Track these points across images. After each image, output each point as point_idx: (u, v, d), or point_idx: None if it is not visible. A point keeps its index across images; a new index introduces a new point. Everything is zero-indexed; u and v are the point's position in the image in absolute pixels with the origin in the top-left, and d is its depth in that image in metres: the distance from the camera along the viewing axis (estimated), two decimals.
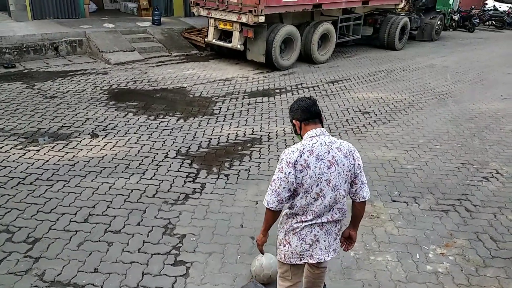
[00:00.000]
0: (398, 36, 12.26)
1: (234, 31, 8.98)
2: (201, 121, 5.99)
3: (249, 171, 4.60)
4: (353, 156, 2.19)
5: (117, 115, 6.01)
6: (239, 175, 4.51)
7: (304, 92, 7.65)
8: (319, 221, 2.21)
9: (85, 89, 7.04)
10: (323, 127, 2.28)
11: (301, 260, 2.29)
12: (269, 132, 5.73)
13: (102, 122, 5.72)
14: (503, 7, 21.84)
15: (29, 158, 4.58)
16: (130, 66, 8.75)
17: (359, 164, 2.21)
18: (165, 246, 3.31)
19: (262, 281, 2.93)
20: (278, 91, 7.70)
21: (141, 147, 5.04)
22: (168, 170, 4.52)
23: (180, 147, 5.11)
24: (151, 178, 4.33)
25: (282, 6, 8.76)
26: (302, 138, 2.28)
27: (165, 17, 11.80)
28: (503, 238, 3.66)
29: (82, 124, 5.60)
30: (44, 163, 4.48)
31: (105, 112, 6.09)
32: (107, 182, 4.18)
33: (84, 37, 9.38)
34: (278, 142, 5.41)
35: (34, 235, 3.34)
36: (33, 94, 6.64)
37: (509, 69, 10.61)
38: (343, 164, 2.15)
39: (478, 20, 18.18)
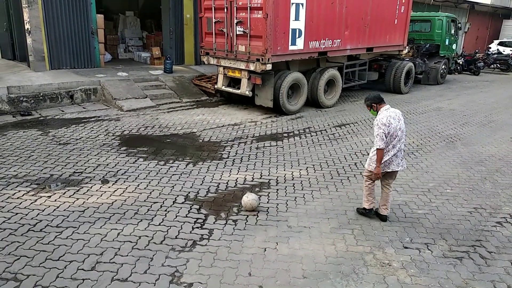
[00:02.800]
0: (404, 80, 12.53)
1: (243, 78, 9.28)
2: (210, 165, 6.05)
3: (257, 217, 4.58)
4: (401, 117, 4.33)
5: (128, 160, 6.12)
6: (247, 221, 4.48)
7: (312, 136, 7.74)
8: (395, 150, 4.27)
9: (98, 136, 7.23)
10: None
11: (384, 169, 4.32)
12: (277, 176, 5.75)
13: (112, 168, 5.82)
14: (507, 50, 22.33)
15: (40, 204, 4.64)
16: (142, 112, 9.02)
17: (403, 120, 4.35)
18: None
19: (248, 209, 4.64)
20: (286, 135, 7.80)
21: (150, 193, 5.09)
22: (176, 216, 4.53)
23: (189, 192, 5.14)
24: (159, 224, 4.33)
25: (288, 54, 9.09)
26: (377, 112, 4.36)
27: (176, 66, 12.30)
28: None
29: (93, 170, 5.71)
30: (54, 210, 4.52)
31: (116, 158, 6.21)
32: (116, 229, 4.19)
33: (99, 85, 9.77)
34: (286, 187, 5.41)
35: (41, 283, 3.31)
36: (47, 140, 6.84)
37: None
38: (400, 120, 4.30)
39: (482, 63, 18.56)
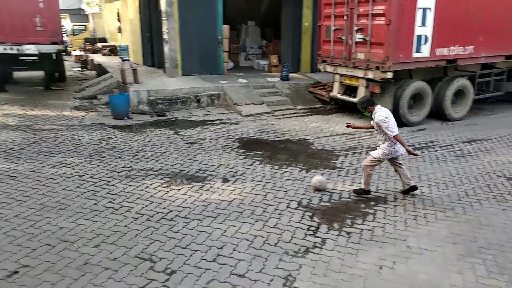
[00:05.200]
0: None
1: (360, 87, 9.04)
2: (322, 173, 6.04)
3: (373, 232, 4.40)
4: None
5: (246, 162, 6.48)
6: (361, 235, 4.34)
7: (435, 151, 7.13)
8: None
9: (220, 137, 7.82)
10: None
11: (395, 155, 5.10)
12: (395, 192, 5.44)
13: (232, 168, 6.23)
14: None
15: (171, 196, 5.21)
16: (259, 117, 9.45)
17: None
18: None
19: (317, 188, 5.39)
20: None
21: (265, 195, 5.30)
22: (289, 221, 4.63)
23: (302, 199, 5.21)
24: (273, 227, 4.48)
25: (412, 62, 8.56)
26: (371, 113, 5.05)
27: (292, 73, 12.57)
28: None
29: (216, 169, 6.19)
30: (183, 202, 5.04)
31: (235, 159, 6.63)
32: (234, 226, 4.47)
33: (222, 91, 10.55)
34: (405, 204, 5.09)
35: (171, 267, 3.73)
36: (178, 139, 7.65)
37: None
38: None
39: None
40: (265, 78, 12.16)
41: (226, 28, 12.24)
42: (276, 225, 4.53)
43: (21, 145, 7.08)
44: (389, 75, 8.24)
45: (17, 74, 14.01)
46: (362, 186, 5.30)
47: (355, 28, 8.74)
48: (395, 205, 5.04)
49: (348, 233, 4.38)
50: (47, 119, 8.99)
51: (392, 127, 4.89)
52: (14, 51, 11.63)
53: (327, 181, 5.53)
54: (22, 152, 6.75)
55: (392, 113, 8.66)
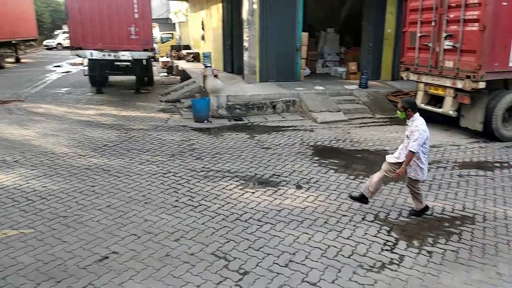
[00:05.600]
0: None
1: (447, 97, 8.45)
2: (402, 187, 5.73)
3: (458, 254, 4.07)
4: None
5: (320, 170, 6.41)
6: (444, 255, 4.04)
7: None
8: (426, 156, 4.66)
9: (294, 144, 7.84)
10: None
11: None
12: (485, 212, 4.97)
13: (306, 175, 6.21)
14: None
15: (246, 198, 5.35)
16: (334, 125, 9.29)
17: None
18: None
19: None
20: (498, 165, 6.68)
21: (340, 205, 5.19)
22: (365, 233, 4.47)
23: (379, 212, 5.00)
24: (347, 238, 4.37)
25: (508, 71, 7.79)
26: (407, 116, 4.64)
27: (372, 81, 12.16)
28: None
29: (289, 175, 6.22)
30: (256, 205, 5.15)
31: (309, 166, 6.60)
32: (307, 233, 4.45)
33: (297, 98, 10.58)
34: (496, 226, 4.63)
35: (244, 267, 3.82)
36: (253, 144, 7.83)
37: None
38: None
39: None
40: (342, 85, 11.93)
41: (305, 36, 12.27)
42: (350, 236, 4.41)
43: (114, 142, 7.81)
44: (481, 85, 7.59)
45: (111, 78, 15.48)
46: (418, 206, 4.90)
47: (444, 34, 8.20)
48: (484, 227, 4.61)
49: (429, 252, 4.11)
50: (136, 120, 9.80)
51: (419, 144, 4.45)
52: (112, 57, 12.87)
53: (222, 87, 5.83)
54: (114, 148, 7.44)
55: (484, 126, 8.16)
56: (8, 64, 21.90)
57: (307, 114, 10.07)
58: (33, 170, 6.22)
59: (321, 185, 5.82)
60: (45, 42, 38.20)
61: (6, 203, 5.08)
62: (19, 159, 6.71)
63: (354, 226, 4.65)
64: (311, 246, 4.18)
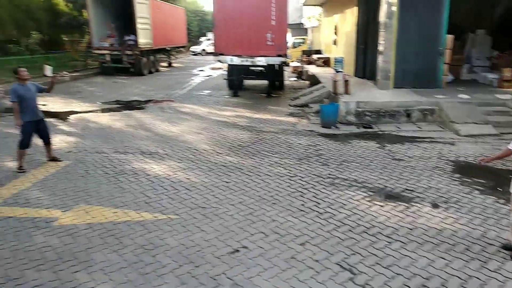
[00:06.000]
0: None
1: None
2: None
3: None
4: None
5: (461, 190, 5.75)
6: None
7: None
8: None
9: (430, 157, 7.19)
10: None
11: None
12: None
13: (444, 193, 5.64)
14: None
15: (374, 211, 5.13)
16: (481, 139, 8.21)
17: None
18: None
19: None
20: None
21: (485, 232, 4.57)
22: None
23: None
24: (493, 271, 3.82)
25: None
26: None
27: None
28: None
29: (424, 191, 5.73)
30: (386, 220, 4.89)
31: (448, 184, 5.97)
32: (444, 259, 4.04)
33: (436, 106, 9.66)
34: None
35: (371, 284, 3.67)
36: (383, 154, 7.46)
37: None
38: None
39: None
40: (493, 94, 10.44)
41: (450, 38, 11.12)
42: (498, 269, 3.85)
43: (247, 143, 8.36)
44: None
45: (246, 82, 16.56)
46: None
47: None
48: None
49: None
50: (267, 122, 10.29)
51: None
52: (248, 63, 13.78)
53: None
54: (247, 148, 7.95)
55: None
56: (162, 68, 25.37)
57: (448, 125, 9.11)
58: (179, 163, 7.08)
59: (462, 206, 5.21)
60: (191, 48, 43.12)
61: (158, 190, 5.90)
62: (169, 152, 7.71)
63: (503, 258, 4.04)
64: (448, 274, 3.79)
